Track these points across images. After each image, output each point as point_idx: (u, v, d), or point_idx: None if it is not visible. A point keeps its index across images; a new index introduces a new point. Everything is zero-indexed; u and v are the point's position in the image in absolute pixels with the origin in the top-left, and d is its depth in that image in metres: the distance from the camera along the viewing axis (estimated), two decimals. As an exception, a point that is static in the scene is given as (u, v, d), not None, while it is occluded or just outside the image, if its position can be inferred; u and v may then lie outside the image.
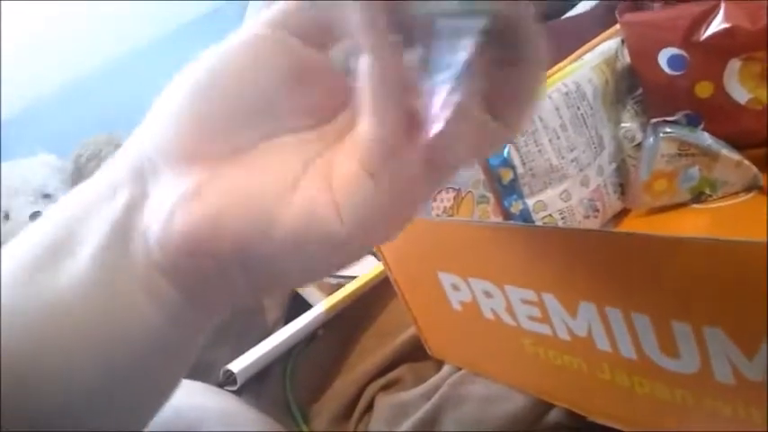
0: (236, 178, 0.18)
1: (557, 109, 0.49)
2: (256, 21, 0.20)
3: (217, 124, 0.19)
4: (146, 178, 0.19)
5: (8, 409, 0.17)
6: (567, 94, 0.49)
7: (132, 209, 0.18)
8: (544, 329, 0.35)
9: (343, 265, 0.20)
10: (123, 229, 0.18)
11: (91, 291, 0.18)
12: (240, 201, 0.18)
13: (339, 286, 0.56)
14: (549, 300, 0.33)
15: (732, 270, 0.25)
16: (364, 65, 0.18)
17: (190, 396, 0.39)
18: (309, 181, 0.19)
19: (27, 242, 0.19)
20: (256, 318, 0.58)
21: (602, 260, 0.30)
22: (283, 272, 0.19)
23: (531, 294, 0.34)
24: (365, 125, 0.18)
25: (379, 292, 0.54)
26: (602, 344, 0.32)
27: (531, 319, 0.35)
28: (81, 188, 0.20)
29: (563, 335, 0.34)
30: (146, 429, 0.21)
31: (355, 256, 0.20)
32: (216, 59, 0.19)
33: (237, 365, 0.51)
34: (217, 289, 0.19)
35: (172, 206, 0.18)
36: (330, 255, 0.19)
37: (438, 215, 0.48)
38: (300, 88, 0.20)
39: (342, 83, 0.21)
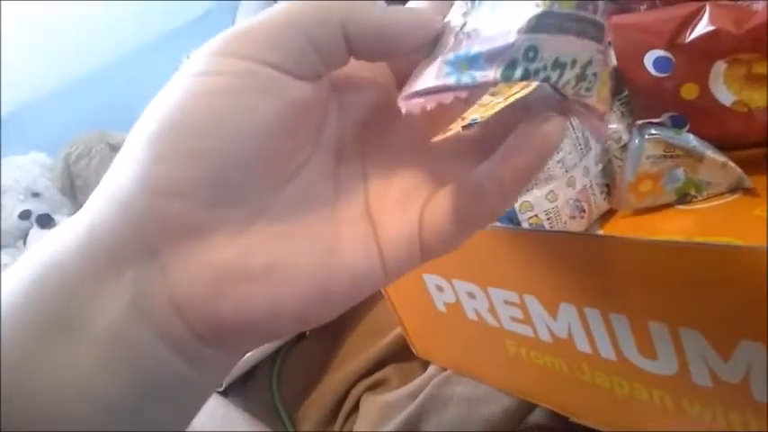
0: (274, 252, 0.18)
1: (543, 110, 0.49)
2: (218, 59, 0.17)
3: (217, 195, 0.17)
4: (156, 250, 0.17)
5: None
6: (553, 95, 0.49)
7: (148, 288, 0.17)
8: (526, 330, 0.35)
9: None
10: (141, 308, 0.17)
11: (114, 357, 0.17)
12: (291, 280, 0.18)
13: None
14: (531, 301, 0.33)
15: (708, 272, 0.25)
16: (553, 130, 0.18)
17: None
18: (352, 243, 0.19)
19: (21, 317, 0.16)
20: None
21: (581, 262, 0.30)
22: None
23: (512, 296, 0.34)
24: (495, 189, 0.18)
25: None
26: (582, 345, 0.32)
27: (514, 320, 0.35)
28: (69, 251, 0.17)
29: (544, 336, 0.34)
30: None
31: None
32: (207, 122, 0.17)
33: (224, 366, 0.50)
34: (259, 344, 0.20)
35: (215, 287, 0.17)
36: (364, 295, 0.19)
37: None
38: (298, 130, 0.18)
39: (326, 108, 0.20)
